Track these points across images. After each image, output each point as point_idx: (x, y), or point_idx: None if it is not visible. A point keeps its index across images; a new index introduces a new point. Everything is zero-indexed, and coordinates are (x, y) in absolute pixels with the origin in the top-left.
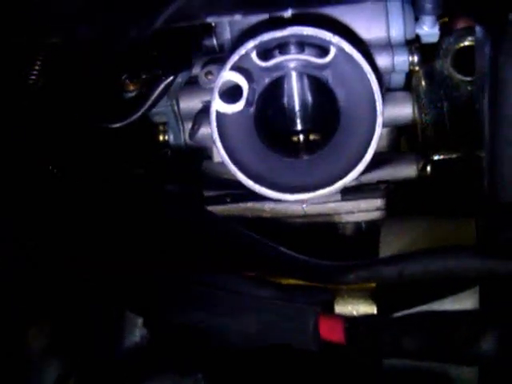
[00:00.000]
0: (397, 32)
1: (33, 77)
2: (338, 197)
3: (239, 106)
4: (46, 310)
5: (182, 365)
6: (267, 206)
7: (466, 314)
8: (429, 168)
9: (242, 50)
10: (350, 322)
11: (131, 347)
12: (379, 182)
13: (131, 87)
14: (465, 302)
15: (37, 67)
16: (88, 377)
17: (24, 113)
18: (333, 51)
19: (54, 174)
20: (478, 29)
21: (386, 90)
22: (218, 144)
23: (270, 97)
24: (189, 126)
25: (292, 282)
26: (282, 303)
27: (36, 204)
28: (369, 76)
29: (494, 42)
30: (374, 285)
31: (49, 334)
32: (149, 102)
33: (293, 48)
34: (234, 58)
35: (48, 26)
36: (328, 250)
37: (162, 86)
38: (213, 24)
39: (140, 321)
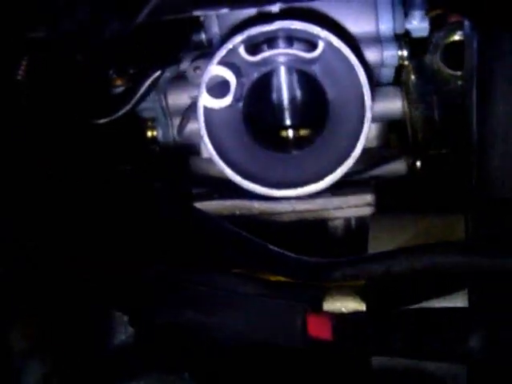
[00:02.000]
0: (386, 26)
1: (21, 72)
2: (328, 192)
3: (227, 101)
4: (31, 309)
5: (168, 364)
6: (256, 202)
7: (454, 311)
8: (419, 163)
9: (230, 45)
10: (339, 319)
11: (116, 346)
12: (369, 178)
13: (118, 82)
14: (454, 299)
15: (24, 63)
16: (72, 375)
17: (18, 110)
18: (321, 45)
19: (50, 171)
20: (466, 23)
21: (375, 84)
22: (206, 140)
23: (259, 92)
24: (177, 121)
25: (280, 278)
26: (270, 300)
27: (35, 204)
28: (357, 70)
29: (481, 36)
30: (363, 282)
31: (33, 333)
32: (136, 97)
33: (281, 42)
34: (222, 52)
35: (31, 19)
36: (317, 246)
37: (149, 81)
38: (201, 19)
39: (126, 319)
